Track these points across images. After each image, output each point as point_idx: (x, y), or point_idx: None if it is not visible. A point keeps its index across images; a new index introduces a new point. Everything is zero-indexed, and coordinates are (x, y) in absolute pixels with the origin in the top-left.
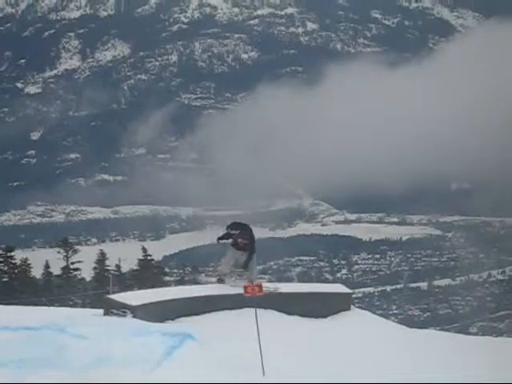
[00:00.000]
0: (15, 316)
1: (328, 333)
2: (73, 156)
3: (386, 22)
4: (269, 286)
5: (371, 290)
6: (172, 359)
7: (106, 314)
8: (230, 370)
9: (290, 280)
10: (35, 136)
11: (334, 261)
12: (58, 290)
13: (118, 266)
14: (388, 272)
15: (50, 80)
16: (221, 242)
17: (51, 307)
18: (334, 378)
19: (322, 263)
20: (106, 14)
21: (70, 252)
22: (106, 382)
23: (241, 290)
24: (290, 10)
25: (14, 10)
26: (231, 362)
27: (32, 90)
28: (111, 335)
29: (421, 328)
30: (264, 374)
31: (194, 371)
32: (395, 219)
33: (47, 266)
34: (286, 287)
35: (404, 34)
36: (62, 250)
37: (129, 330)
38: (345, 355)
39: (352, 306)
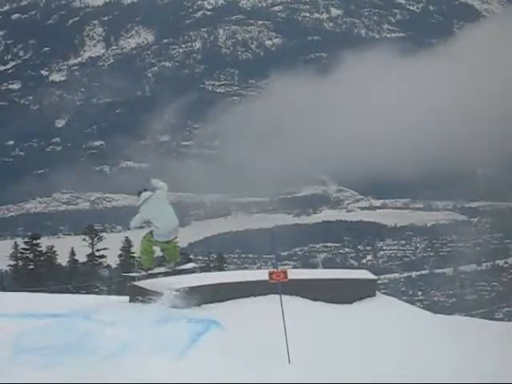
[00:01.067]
0: (41, 303)
1: (353, 319)
2: (97, 143)
3: (411, 7)
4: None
5: (396, 275)
6: (197, 346)
7: (131, 300)
8: (255, 357)
9: (314, 266)
10: (60, 123)
11: (359, 247)
12: (83, 278)
13: None
14: (413, 258)
15: (75, 68)
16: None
17: (77, 294)
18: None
19: (347, 249)
20: (129, 1)
21: (95, 239)
22: (133, 369)
23: (266, 277)
24: None
25: None
26: (256, 349)
27: (57, 77)
28: (137, 322)
29: (446, 314)
30: (290, 361)
31: (219, 358)
32: (420, 205)
33: (73, 254)
34: (311, 273)
35: (428, 19)
36: (87, 238)
37: (154, 316)
38: (370, 341)
39: (377, 292)
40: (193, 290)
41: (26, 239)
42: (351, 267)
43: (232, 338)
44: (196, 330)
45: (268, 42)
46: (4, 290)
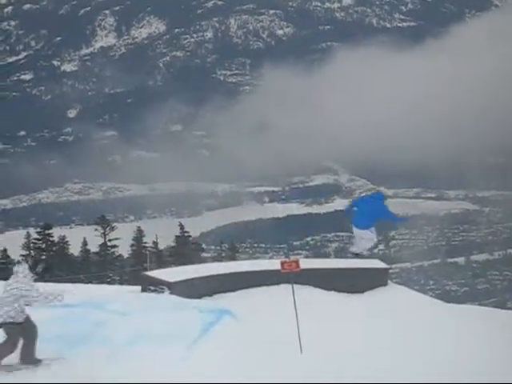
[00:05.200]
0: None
1: (365, 308)
2: (109, 133)
3: None
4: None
5: (408, 265)
6: (209, 335)
7: (143, 290)
8: (267, 346)
9: (326, 256)
10: (72, 114)
11: None
12: (95, 267)
13: (155, 243)
14: (425, 247)
15: (86, 58)
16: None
17: (89, 284)
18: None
19: None
20: None
21: (107, 229)
22: (145, 358)
23: (278, 266)
24: None
25: None
26: (268, 339)
27: (68, 67)
28: (149, 312)
29: (458, 303)
30: (301, 351)
31: (231, 347)
32: (432, 194)
33: (85, 244)
34: (323, 263)
35: (440, 8)
36: (99, 228)
37: (166, 306)
38: (382, 330)
39: (389, 282)
40: (205, 280)
41: (38, 229)
42: (363, 257)
43: (244, 327)
44: (208, 319)
45: (279, 32)
46: None
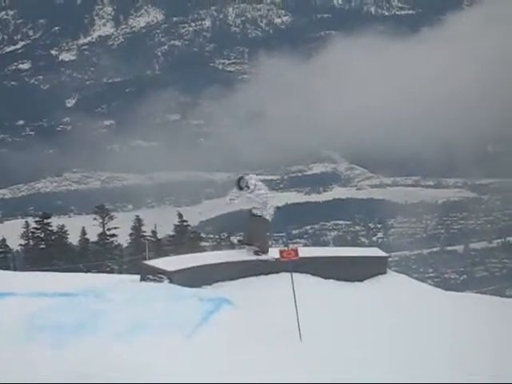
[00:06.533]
0: (52, 283)
1: (364, 297)
2: (107, 123)
3: None
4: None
5: (407, 253)
6: (209, 324)
7: (142, 279)
8: (266, 334)
9: (325, 244)
10: (70, 103)
11: (369, 224)
12: (94, 257)
13: (154, 232)
14: (424, 235)
15: (84, 47)
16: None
17: (88, 273)
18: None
19: (357, 227)
20: None
21: (106, 218)
22: (144, 348)
23: (277, 255)
24: None
25: None
26: (268, 327)
27: (66, 57)
28: (148, 301)
29: (457, 291)
30: (301, 338)
31: (230, 336)
32: (431, 182)
33: (84, 233)
34: (322, 251)
35: None
36: (98, 217)
37: (165, 295)
38: (381, 319)
39: (388, 270)
40: (204, 269)
41: (37, 219)
42: (362, 245)
43: (243, 316)
44: (207, 308)
45: (277, 20)
46: (15, 269)
